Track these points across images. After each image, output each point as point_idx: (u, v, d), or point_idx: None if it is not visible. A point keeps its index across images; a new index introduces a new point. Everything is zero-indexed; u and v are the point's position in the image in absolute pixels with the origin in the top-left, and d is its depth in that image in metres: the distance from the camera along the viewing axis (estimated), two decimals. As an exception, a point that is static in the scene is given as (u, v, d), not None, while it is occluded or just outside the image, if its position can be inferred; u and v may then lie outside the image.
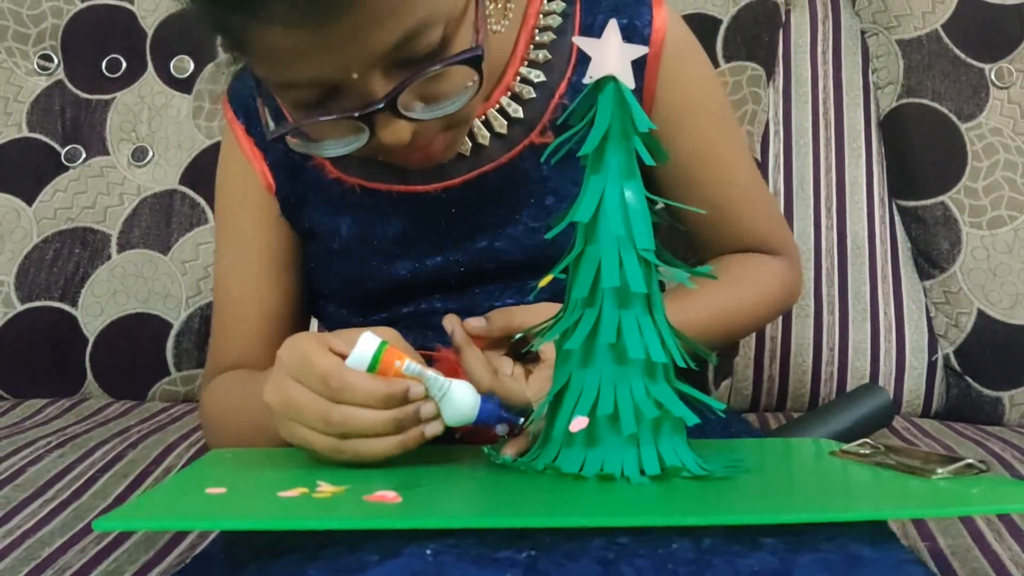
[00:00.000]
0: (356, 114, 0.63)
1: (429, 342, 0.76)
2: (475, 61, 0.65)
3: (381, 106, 0.63)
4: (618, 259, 0.56)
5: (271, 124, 0.68)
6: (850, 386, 1.21)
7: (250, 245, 0.86)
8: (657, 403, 0.57)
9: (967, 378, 1.19)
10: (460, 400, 0.61)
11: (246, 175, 0.84)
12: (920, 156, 1.25)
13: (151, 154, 1.37)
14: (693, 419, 0.57)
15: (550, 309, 0.67)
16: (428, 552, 0.45)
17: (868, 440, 0.66)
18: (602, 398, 0.57)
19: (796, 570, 0.45)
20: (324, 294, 0.87)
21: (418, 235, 0.80)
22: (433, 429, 0.61)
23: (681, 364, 0.58)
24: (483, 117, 0.79)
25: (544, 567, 0.45)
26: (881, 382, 1.21)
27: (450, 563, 0.44)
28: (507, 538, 0.46)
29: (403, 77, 0.63)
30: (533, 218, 0.79)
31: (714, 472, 0.57)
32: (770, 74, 1.29)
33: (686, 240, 0.92)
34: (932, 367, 1.21)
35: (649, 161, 0.56)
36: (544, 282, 0.60)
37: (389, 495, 0.50)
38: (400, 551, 0.45)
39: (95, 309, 1.31)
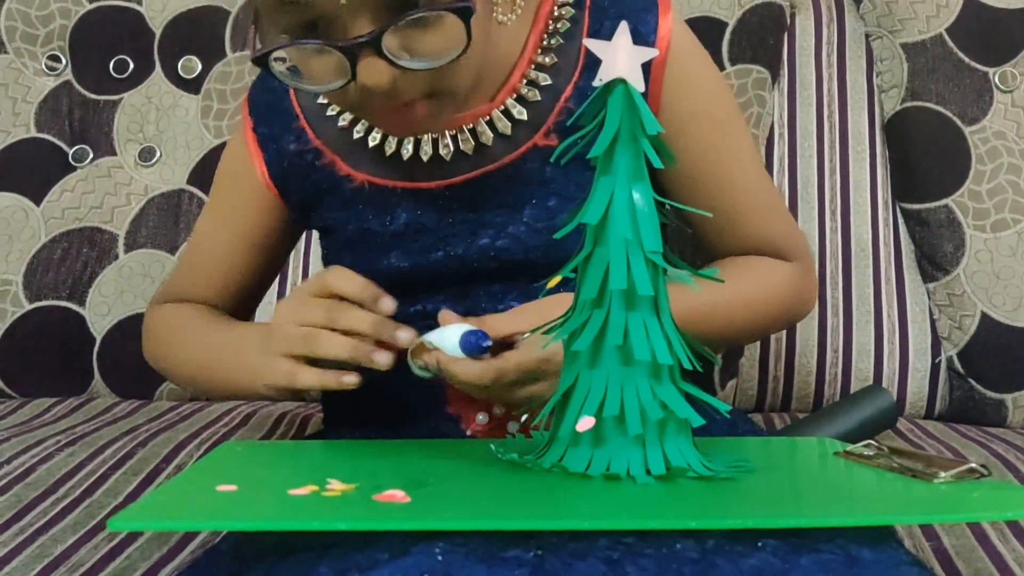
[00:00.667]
0: (339, 44, 0.64)
1: None
2: (464, 12, 0.65)
3: (365, 40, 0.64)
4: (626, 261, 0.57)
5: (259, 46, 0.69)
6: (854, 387, 1.21)
7: (229, 221, 0.91)
8: (662, 404, 0.57)
9: (970, 380, 1.20)
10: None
11: (246, 160, 0.88)
12: (924, 159, 1.26)
13: (158, 154, 1.37)
14: (698, 420, 0.57)
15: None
16: (437, 551, 0.46)
17: (872, 441, 0.66)
18: (608, 399, 0.57)
19: (796, 571, 0.46)
20: None
21: (420, 230, 0.81)
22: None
23: (687, 366, 0.58)
24: (487, 117, 0.80)
25: (551, 566, 0.45)
26: (885, 384, 1.21)
27: (458, 562, 0.45)
28: (515, 537, 0.47)
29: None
30: (535, 218, 0.80)
31: (719, 472, 0.58)
32: (775, 77, 1.30)
33: (695, 245, 0.93)
34: (935, 369, 1.22)
35: (657, 164, 0.57)
36: (553, 282, 0.61)
37: (398, 494, 0.51)
38: (409, 549, 0.46)
39: (102, 308, 1.32)
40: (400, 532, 0.47)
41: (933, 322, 1.22)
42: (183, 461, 0.99)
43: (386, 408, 0.82)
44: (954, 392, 1.21)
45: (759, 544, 0.48)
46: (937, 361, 1.22)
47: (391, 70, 0.65)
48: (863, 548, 0.48)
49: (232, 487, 0.53)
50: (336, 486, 0.54)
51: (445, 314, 0.73)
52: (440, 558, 0.45)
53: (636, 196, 0.58)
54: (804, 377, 1.23)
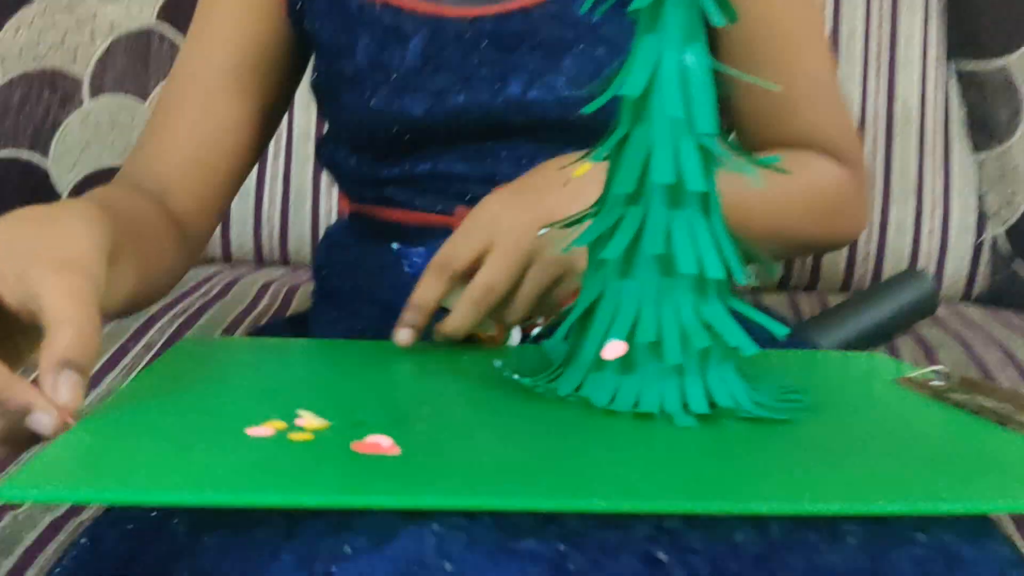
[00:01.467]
0: None
1: (448, 206, 0.70)
2: None
3: None
4: (673, 148, 0.45)
5: None
6: (887, 267, 1.12)
7: (221, 38, 0.74)
8: (708, 327, 0.47)
9: (1017, 260, 1.10)
10: None
11: None
12: (984, 10, 1.13)
13: (124, -14, 1.23)
14: (752, 348, 0.47)
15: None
16: (431, 534, 0.36)
17: (939, 368, 0.56)
18: (642, 320, 0.47)
19: (888, 572, 0.36)
20: (332, 136, 0.77)
21: (440, 67, 0.69)
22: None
23: (740, 281, 0.48)
24: None
25: (576, 565, 0.35)
26: (921, 263, 1.12)
27: (457, 552, 0.35)
28: (529, 521, 0.37)
29: None
30: (578, 69, 0.67)
31: (772, 411, 0.47)
32: (822, -89, 1.14)
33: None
34: (978, 249, 1.11)
35: (718, 20, 0.45)
36: (580, 171, 0.49)
37: (384, 443, 0.41)
38: (396, 532, 0.36)
39: (68, 161, 1.21)
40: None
41: (980, 197, 1.11)
42: (152, 340, 0.90)
43: (383, 294, 0.71)
44: (996, 273, 1.12)
45: (837, 533, 0.37)
46: (980, 240, 1.11)
47: None
48: (963, 544, 0.37)
49: (172, 422, 0.43)
50: (308, 421, 0.44)
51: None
52: (434, 544, 0.35)
53: (690, 60, 0.45)
54: (834, 254, 1.14)
